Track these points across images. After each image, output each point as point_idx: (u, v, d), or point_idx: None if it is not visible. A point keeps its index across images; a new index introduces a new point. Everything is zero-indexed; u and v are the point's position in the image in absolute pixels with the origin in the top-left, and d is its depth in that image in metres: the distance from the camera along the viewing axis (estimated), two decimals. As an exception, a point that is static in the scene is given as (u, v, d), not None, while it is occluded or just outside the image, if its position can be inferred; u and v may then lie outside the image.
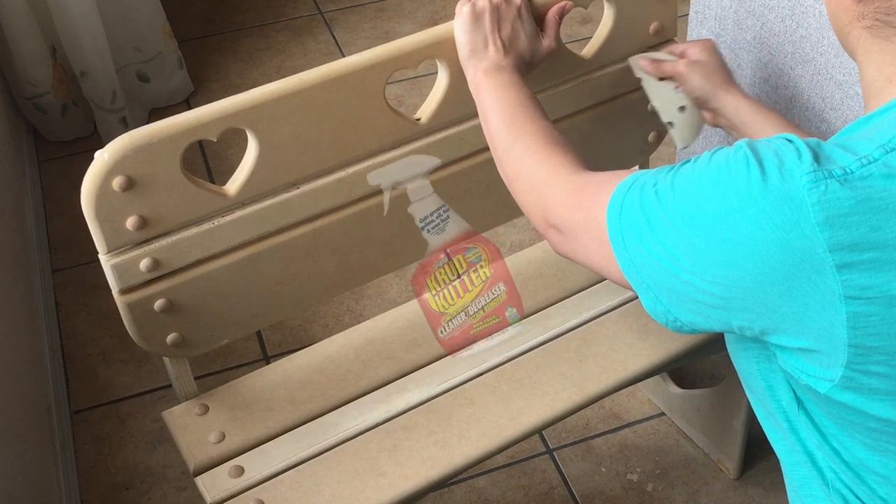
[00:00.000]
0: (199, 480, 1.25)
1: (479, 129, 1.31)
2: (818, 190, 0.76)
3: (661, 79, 1.33)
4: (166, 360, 1.29)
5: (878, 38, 0.85)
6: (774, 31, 1.43)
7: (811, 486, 0.93)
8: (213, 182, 2.00)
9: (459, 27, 1.20)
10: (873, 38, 0.86)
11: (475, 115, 1.31)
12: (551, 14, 1.24)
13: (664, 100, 1.34)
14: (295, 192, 1.23)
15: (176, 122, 1.12)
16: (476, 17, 1.18)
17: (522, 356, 1.39)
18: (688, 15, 1.65)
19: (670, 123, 1.34)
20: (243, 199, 1.20)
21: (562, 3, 1.25)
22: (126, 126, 2.45)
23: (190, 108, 2.56)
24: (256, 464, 1.26)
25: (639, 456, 1.78)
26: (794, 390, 0.89)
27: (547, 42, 1.23)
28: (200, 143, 2.35)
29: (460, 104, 1.29)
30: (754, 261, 0.79)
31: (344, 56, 1.25)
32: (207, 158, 2.43)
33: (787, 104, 1.48)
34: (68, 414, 1.90)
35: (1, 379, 1.57)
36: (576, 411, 1.34)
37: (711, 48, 1.30)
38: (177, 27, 2.64)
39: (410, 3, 2.97)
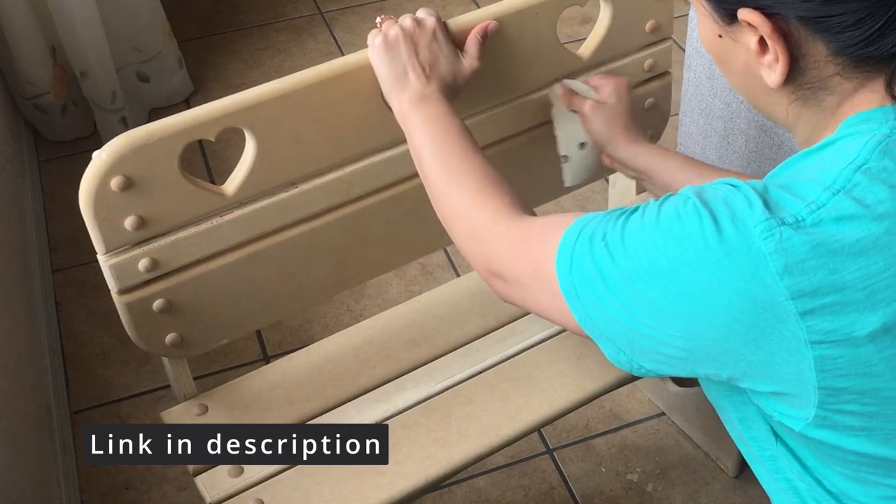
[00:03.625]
0: (199, 480, 1.25)
1: (476, 128, 1.31)
2: (773, 238, 0.75)
3: (574, 111, 1.32)
4: (165, 360, 1.29)
5: (810, 104, 0.85)
6: (773, 29, 1.43)
7: None
8: (213, 182, 2.01)
9: (376, 58, 1.16)
10: (804, 106, 0.85)
11: (472, 113, 1.31)
12: (472, 34, 1.20)
13: (567, 131, 1.32)
14: (293, 191, 1.23)
15: (173, 122, 1.13)
16: (390, 45, 1.14)
17: (521, 354, 1.39)
18: (687, 15, 1.65)
19: (565, 157, 1.33)
20: (241, 198, 1.20)
21: (484, 24, 1.21)
22: (126, 126, 2.45)
23: (190, 108, 2.56)
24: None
25: (639, 456, 1.78)
26: (770, 425, 0.88)
27: (468, 62, 1.18)
28: (200, 142, 2.35)
29: (457, 103, 1.29)
30: (715, 312, 0.78)
31: (344, 56, 1.25)
32: (207, 158, 2.43)
33: (785, 103, 1.48)
34: (68, 414, 1.90)
35: (1, 379, 1.57)
36: (575, 409, 1.35)
37: (623, 89, 1.28)
38: (177, 27, 2.64)
39: (410, 3, 2.97)
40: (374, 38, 1.16)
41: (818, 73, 0.83)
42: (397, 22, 1.16)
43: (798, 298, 0.75)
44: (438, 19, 1.17)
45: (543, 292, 0.91)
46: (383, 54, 1.15)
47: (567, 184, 1.36)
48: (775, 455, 0.90)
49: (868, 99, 0.82)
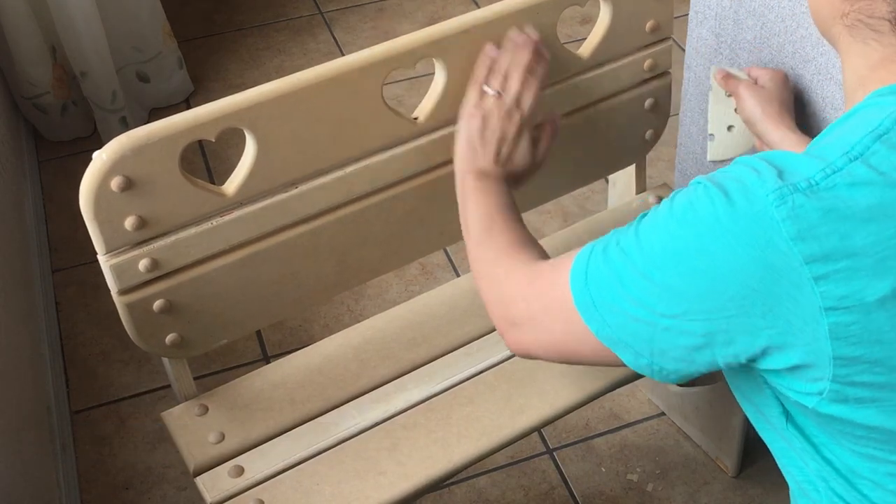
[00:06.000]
0: (200, 481, 1.25)
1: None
2: (786, 205, 0.76)
3: (729, 96, 1.36)
4: (165, 360, 1.29)
5: (856, 39, 0.86)
6: (775, 30, 1.42)
7: (807, 492, 0.93)
8: (213, 182, 2.00)
9: (467, 123, 1.20)
10: (852, 38, 0.86)
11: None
12: (549, 132, 1.25)
13: (718, 113, 1.37)
14: (293, 191, 1.23)
15: (174, 122, 1.12)
16: (482, 130, 1.18)
17: (521, 355, 1.39)
18: (688, 15, 1.65)
19: (711, 136, 1.38)
20: (242, 198, 1.20)
21: (556, 122, 1.26)
22: (126, 126, 2.45)
23: (190, 108, 2.56)
24: (256, 464, 1.26)
25: (639, 456, 1.78)
26: (782, 404, 0.89)
27: (539, 157, 1.23)
28: (200, 142, 2.35)
29: (458, 103, 1.29)
30: (734, 285, 0.79)
31: (344, 56, 1.25)
32: (207, 158, 2.43)
33: (786, 103, 1.48)
34: (68, 414, 1.90)
35: (1, 379, 1.57)
36: (575, 409, 1.34)
37: (782, 80, 1.31)
38: (177, 27, 2.64)
39: (410, 3, 2.97)
40: (471, 117, 1.19)
41: (869, 6, 0.84)
42: (503, 88, 1.19)
43: (811, 263, 0.76)
44: (535, 99, 1.20)
45: (556, 320, 0.93)
46: (474, 135, 1.19)
47: (709, 158, 1.41)
48: (787, 437, 0.90)
49: None
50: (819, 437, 0.87)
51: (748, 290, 0.78)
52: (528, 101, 1.19)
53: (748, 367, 0.86)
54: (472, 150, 1.19)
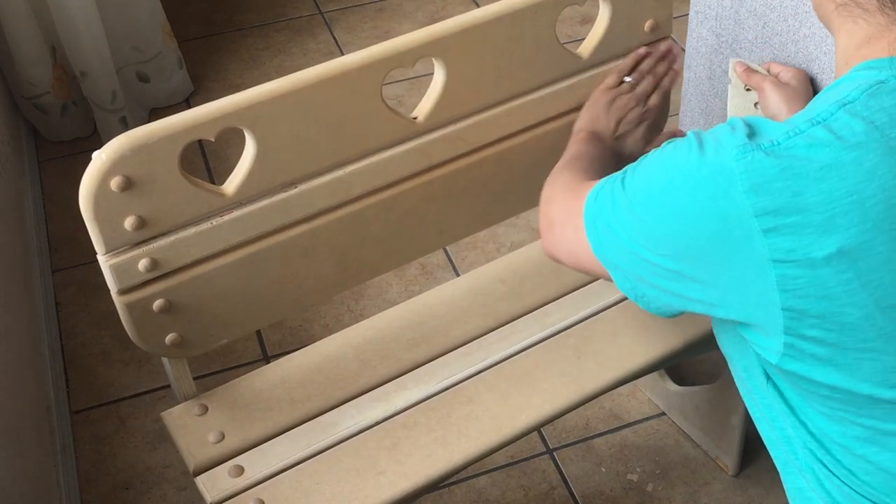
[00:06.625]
0: (199, 480, 1.25)
1: (475, 128, 1.33)
2: (745, 160, 0.81)
3: (749, 90, 1.36)
4: (165, 360, 1.29)
5: (846, 18, 0.90)
6: (777, 30, 1.42)
7: (792, 462, 0.96)
8: (213, 182, 2.00)
9: (599, 98, 1.32)
10: (841, 18, 0.90)
11: (471, 113, 1.32)
12: (665, 138, 1.34)
13: (739, 108, 1.37)
14: (292, 191, 1.23)
15: (173, 121, 1.13)
16: (608, 105, 1.31)
17: (521, 354, 1.39)
18: (688, 15, 1.65)
19: None
20: (241, 198, 1.20)
21: (677, 134, 1.31)
22: (126, 126, 2.45)
23: (190, 108, 2.56)
24: (256, 463, 1.27)
25: (639, 456, 1.78)
26: (762, 366, 0.93)
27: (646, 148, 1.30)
28: (200, 142, 2.35)
29: (457, 103, 1.29)
30: (696, 229, 0.85)
31: (343, 56, 1.25)
32: (207, 158, 2.43)
33: (785, 102, 1.48)
34: (68, 414, 1.90)
35: (1, 379, 1.57)
36: (574, 408, 1.35)
37: (804, 78, 1.33)
38: (177, 27, 2.64)
39: (410, 3, 2.97)
40: (608, 86, 1.33)
41: None
42: (637, 83, 1.35)
43: (762, 216, 0.81)
44: (661, 102, 1.35)
45: (569, 227, 1.02)
46: (603, 101, 1.32)
47: None
48: (771, 402, 0.95)
49: (884, 48, 0.86)
50: (793, 398, 0.92)
51: (708, 235, 0.84)
52: (654, 100, 1.34)
53: (727, 324, 0.91)
54: (594, 117, 1.30)
